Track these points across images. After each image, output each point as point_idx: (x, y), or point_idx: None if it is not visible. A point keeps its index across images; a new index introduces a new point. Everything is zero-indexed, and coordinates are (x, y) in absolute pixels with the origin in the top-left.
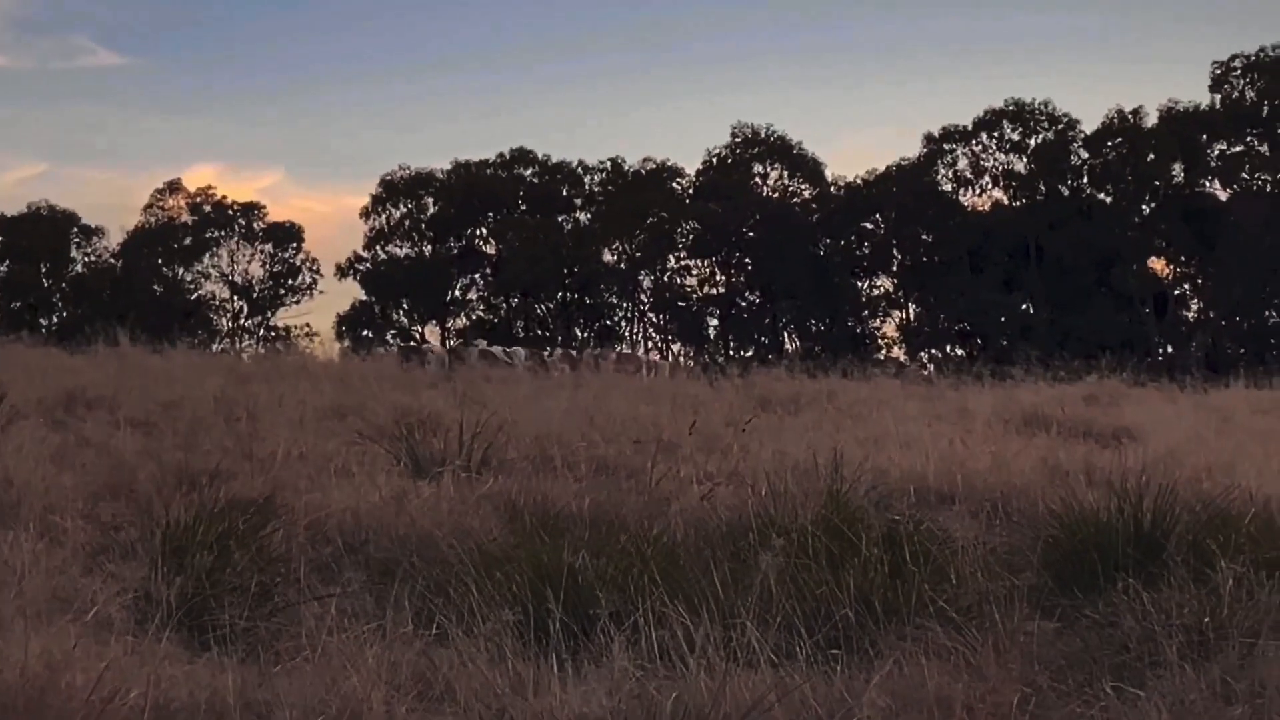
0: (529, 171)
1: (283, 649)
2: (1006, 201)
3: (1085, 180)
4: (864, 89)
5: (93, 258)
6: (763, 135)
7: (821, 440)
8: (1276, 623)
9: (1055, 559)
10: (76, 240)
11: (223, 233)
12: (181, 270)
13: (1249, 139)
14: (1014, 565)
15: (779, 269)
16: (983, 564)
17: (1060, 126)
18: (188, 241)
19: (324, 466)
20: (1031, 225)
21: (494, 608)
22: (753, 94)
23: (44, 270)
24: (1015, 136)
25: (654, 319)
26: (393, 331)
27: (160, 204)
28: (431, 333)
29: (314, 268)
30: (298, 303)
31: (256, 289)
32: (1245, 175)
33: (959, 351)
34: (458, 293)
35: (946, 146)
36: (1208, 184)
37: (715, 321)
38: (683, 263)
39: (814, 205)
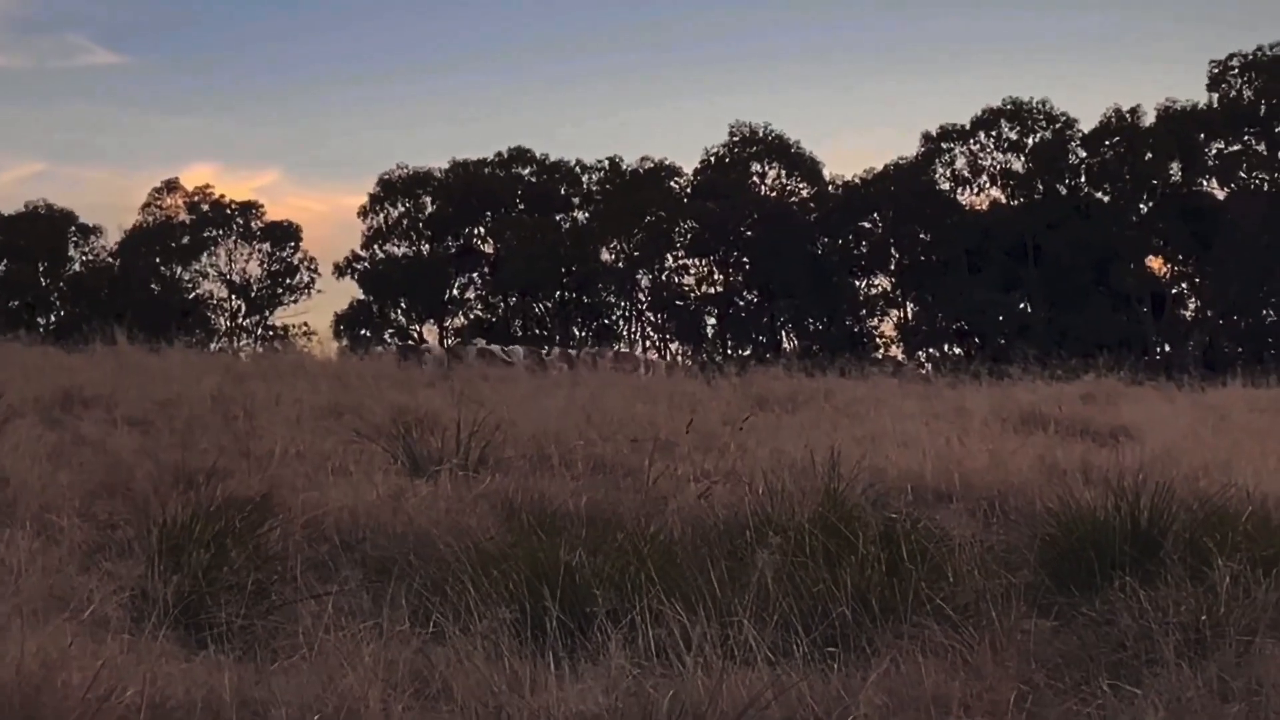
0: (527, 171)
1: (279, 647)
2: (1004, 200)
3: (1083, 179)
4: (862, 88)
5: (90, 257)
6: (760, 134)
7: (819, 439)
8: (1273, 620)
9: (1052, 557)
10: (74, 239)
11: (220, 232)
12: (179, 269)
13: (1246, 138)
14: (1011, 563)
15: (777, 268)
16: (980, 562)
17: (1058, 126)
18: (185, 241)
19: (321, 465)
20: (1029, 224)
21: (491, 606)
22: (751, 93)
23: (42, 269)
24: (1013, 136)
25: (652, 318)
26: (391, 330)
27: (158, 203)
28: (429, 332)
29: (312, 267)
30: (295, 302)
31: (254, 288)
32: (1243, 174)
33: (956, 350)
34: (455, 292)
35: (944, 146)
36: (1205, 183)
37: (713, 320)
38: (680, 262)
39: (812, 204)
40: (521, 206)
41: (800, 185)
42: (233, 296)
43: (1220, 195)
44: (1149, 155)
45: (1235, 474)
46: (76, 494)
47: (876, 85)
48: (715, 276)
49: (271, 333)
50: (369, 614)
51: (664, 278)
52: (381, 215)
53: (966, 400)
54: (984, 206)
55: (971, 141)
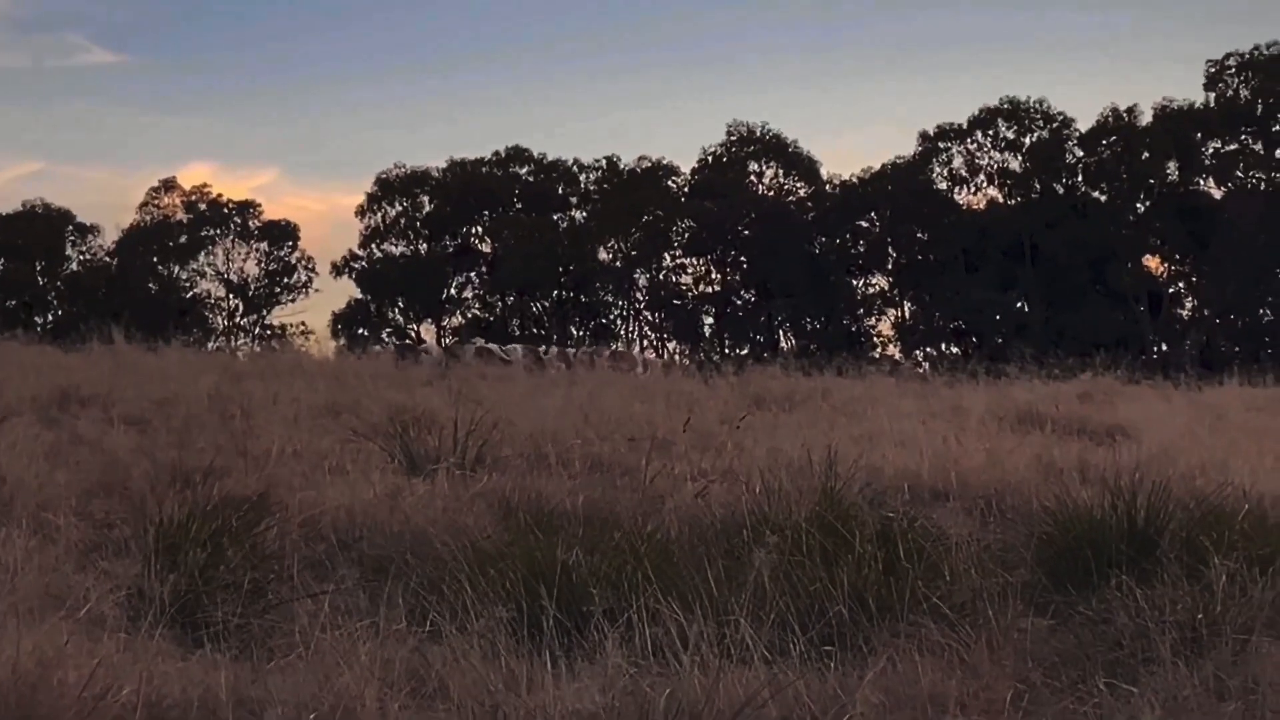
0: (524, 170)
1: (276, 646)
2: (1001, 200)
3: (1080, 178)
4: (859, 87)
5: (88, 256)
6: (758, 134)
7: (816, 438)
8: (1270, 619)
9: (1049, 556)
10: (72, 238)
11: (218, 231)
12: (177, 268)
13: (1243, 137)
14: (1008, 562)
15: (774, 267)
16: (977, 561)
17: (1055, 125)
18: (183, 240)
19: (318, 464)
20: (1026, 223)
21: (488, 605)
22: (748, 93)
23: (39, 268)
24: (1010, 135)
25: (649, 317)
26: (388, 330)
27: (155, 202)
28: (427, 331)
29: (309, 266)
30: (293, 301)
31: (252, 287)
32: (1239, 173)
33: (954, 349)
34: (453, 291)
35: (942, 145)
36: (1202, 182)
37: (710, 319)
38: (678, 261)
39: (809, 204)
40: (519, 206)
41: (798, 184)
42: (230, 296)
43: (1217, 194)
44: (1146, 155)
45: (1232, 473)
46: (73, 493)
47: (874, 85)
48: (713, 276)
49: (269, 332)
50: (366, 613)
51: (661, 277)
52: (379, 214)
53: (963, 399)
54: (981, 206)
55: (969, 141)
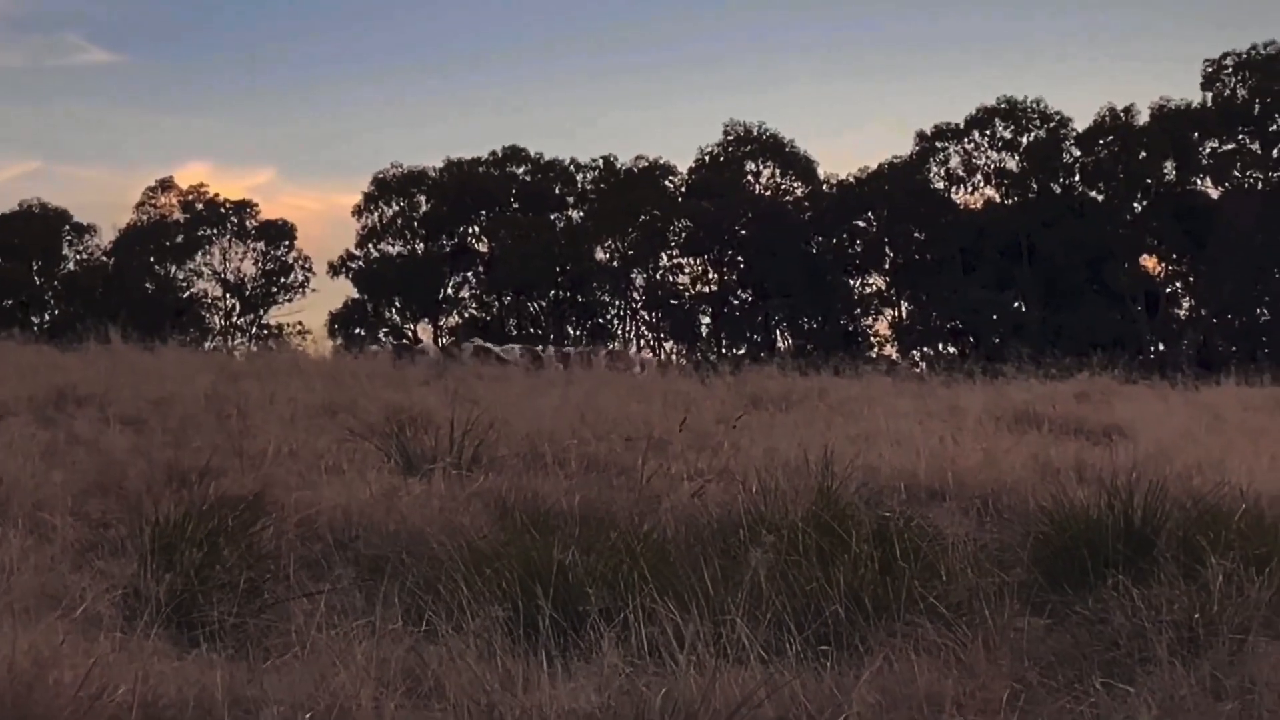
0: (521, 169)
1: (272, 646)
2: (998, 199)
3: (1077, 178)
4: (856, 87)
5: (85, 255)
6: (755, 133)
7: (812, 437)
8: (1266, 619)
9: (1045, 555)
10: (68, 238)
11: (215, 230)
12: (174, 268)
13: (1240, 137)
14: (1004, 562)
15: (771, 267)
16: (973, 560)
17: (1052, 124)
18: (180, 239)
19: (314, 464)
20: (1023, 223)
21: (484, 604)
22: (745, 92)
23: (36, 268)
24: (1007, 134)
25: (646, 317)
26: (385, 330)
27: (152, 202)
28: (424, 330)
29: (306, 266)
30: (290, 301)
31: (249, 287)
32: (1237, 173)
33: (951, 349)
34: (450, 291)
35: (939, 144)
36: (1199, 182)
37: (708, 319)
38: (675, 261)
39: (806, 203)
40: (516, 205)
41: (795, 184)
42: (227, 295)
43: (1214, 194)
44: (1143, 154)
45: (1228, 472)
46: (69, 492)
47: (871, 84)
48: (710, 275)
49: (266, 331)
50: (362, 612)
51: (658, 277)
52: (376, 214)
53: (960, 399)
54: (978, 205)
55: (966, 140)
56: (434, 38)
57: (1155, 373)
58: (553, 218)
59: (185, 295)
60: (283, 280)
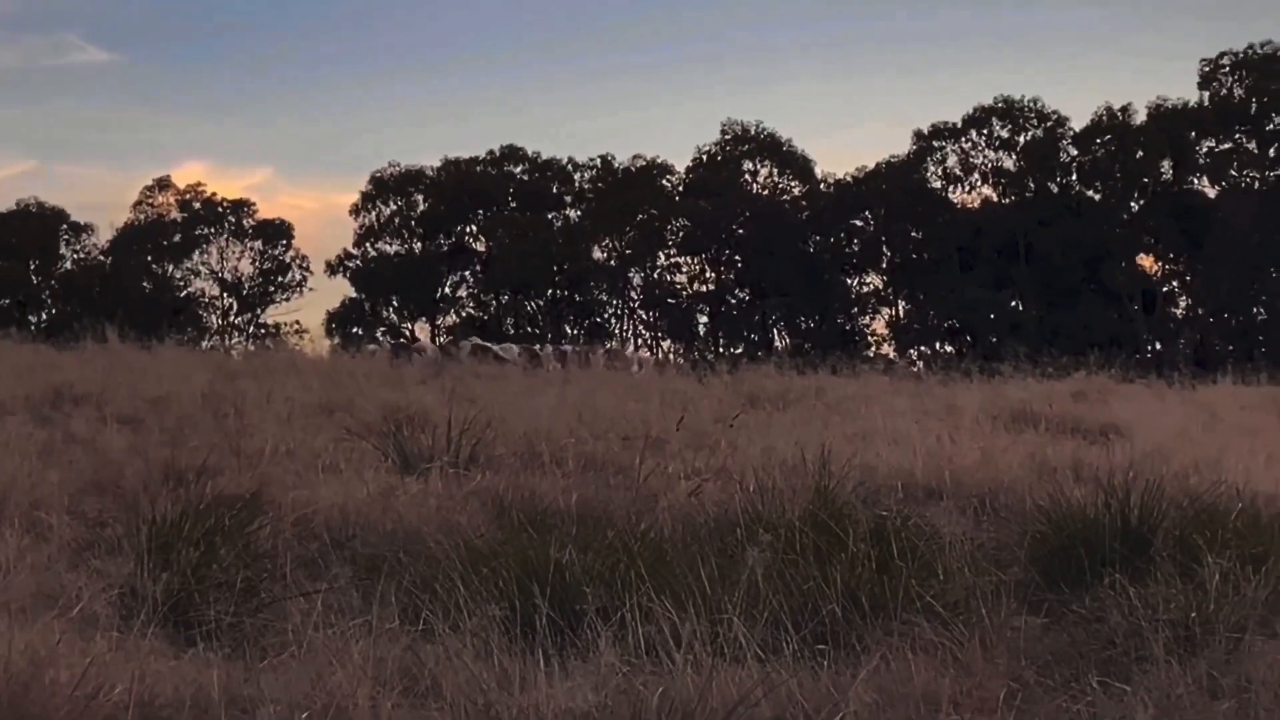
0: (519, 169)
1: (268, 645)
2: (996, 199)
3: (1074, 177)
4: (853, 86)
5: (82, 255)
6: (752, 132)
7: (810, 436)
8: (1263, 618)
9: (1042, 554)
10: (66, 237)
11: (212, 230)
12: (171, 267)
13: (1237, 136)
14: (1001, 561)
15: (769, 266)
16: (970, 559)
17: (1049, 124)
18: (177, 239)
19: (311, 463)
20: (1021, 222)
21: (481, 603)
22: (743, 91)
23: (33, 267)
24: (1004, 134)
25: (644, 316)
26: (383, 329)
27: (150, 201)
28: (421, 330)
29: (304, 265)
30: (287, 300)
31: (246, 286)
32: (1234, 172)
33: (948, 348)
34: (448, 290)
35: (936, 144)
36: (1196, 181)
37: (705, 319)
38: (672, 260)
39: (804, 202)
40: (513, 204)
41: (792, 183)
42: (224, 294)
43: (1211, 193)
44: (1140, 153)
45: (1225, 471)
46: (66, 491)
47: (868, 83)
48: (707, 274)
49: (263, 331)
50: (358, 612)
51: (656, 276)
52: (373, 213)
53: (957, 398)
54: (975, 205)
55: (963, 140)
56: (432, 37)
57: (1152, 372)
58: (550, 217)
59: (183, 294)
60: (280, 279)
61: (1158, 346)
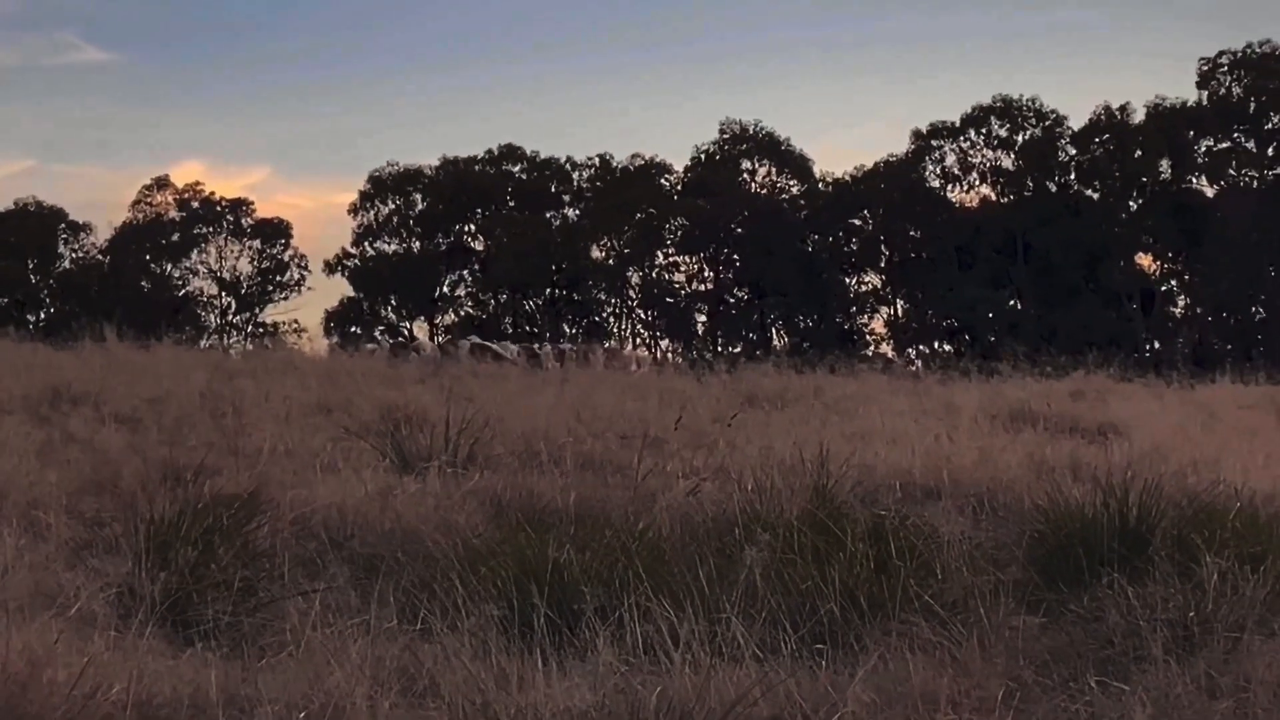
0: (517, 168)
1: (266, 644)
2: (994, 198)
3: (1073, 176)
4: (852, 85)
5: (80, 254)
6: (751, 132)
7: (808, 436)
8: (1261, 617)
9: (1041, 554)
10: (64, 236)
11: (210, 229)
12: (169, 266)
13: (1236, 135)
14: (999, 560)
15: (767, 265)
16: (968, 559)
17: (1048, 123)
18: (175, 238)
19: (310, 462)
20: (1019, 221)
21: (479, 603)
22: (741, 90)
23: (31, 266)
24: (1003, 133)
25: (642, 315)
26: (381, 328)
27: (148, 200)
28: (420, 329)
29: (302, 264)
30: (286, 299)
31: (244, 285)
32: (1232, 171)
33: (946, 347)
34: (446, 289)
35: (934, 143)
36: (1195, 180)
37: (703, 318)
38: (671, 259)
39: (802, 202)
40: (512, 204)
41: (790, 182)
42: (223, 294)
43: (1210, 193)
44: (1139, 153)
45: (1224, 471)
46: (64, 491)
47: (866, 82)
48: (705, 274)
49: (261, 330)
50: (356, 611)
51: (654, 275)
52: (372, 212)
53: (956, 397)
54: (974, 204)
55: (961, 139)
56: (430, 37)
57: (1150, 371)
58: (549, 216)
59: (181, 293)
60: (278, 278)
61: (1156, 346)
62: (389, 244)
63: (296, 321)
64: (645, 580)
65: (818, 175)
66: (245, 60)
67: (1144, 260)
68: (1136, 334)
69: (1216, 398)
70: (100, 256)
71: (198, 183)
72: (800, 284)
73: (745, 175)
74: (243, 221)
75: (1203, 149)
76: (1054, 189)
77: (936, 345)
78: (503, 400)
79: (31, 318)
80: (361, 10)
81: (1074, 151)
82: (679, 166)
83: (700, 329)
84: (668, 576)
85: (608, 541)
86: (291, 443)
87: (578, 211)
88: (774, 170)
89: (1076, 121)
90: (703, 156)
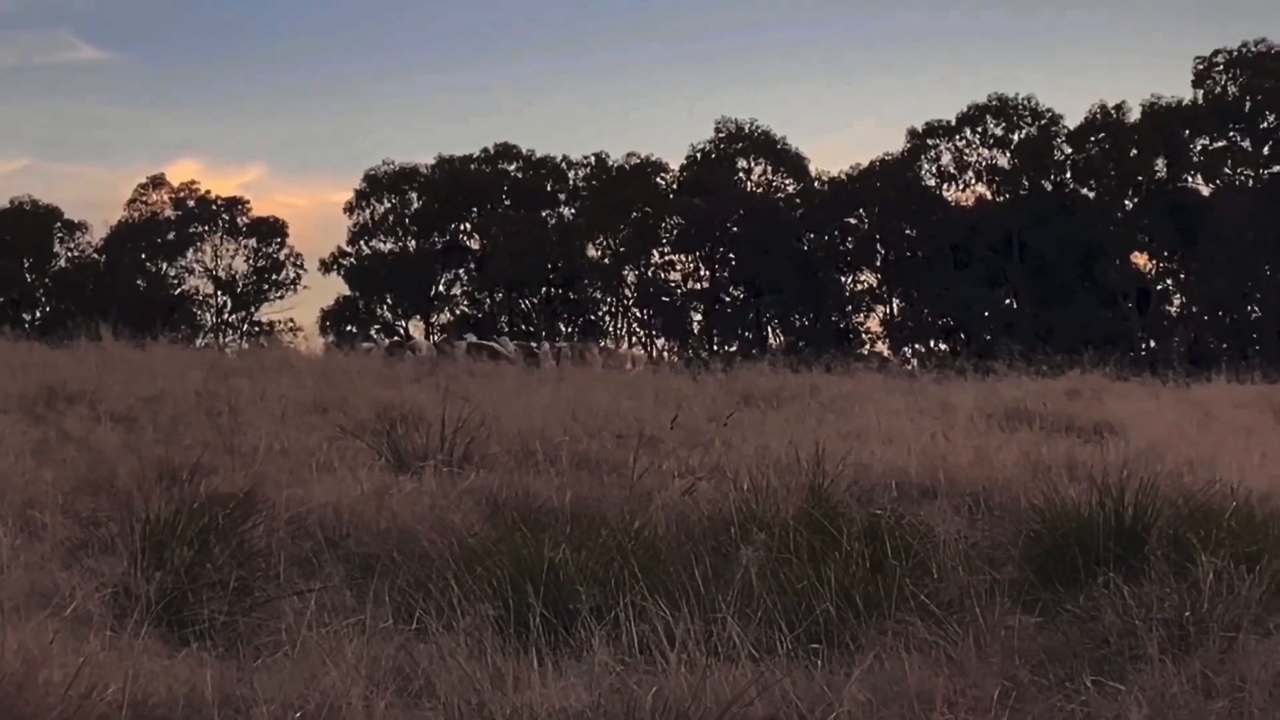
0: (513, 166)
1: (262, 644)
2: (990, 196)
3: (1068, 175)
4: (848, 84)
5: (76, 252)
6: (747, 130)
7: (804, 435)
8: (1257, 616)
9: (1036, 553)
10: (60, 235)
11: (206, 228)
12: (165, 265)
13: (1231, 134)
14: (995, 559)
15: (763, 264)
16: (964, 558)
17: (1043, 122)
18: (171, 236)
19: (305, 461)
20: (1015, 220)
21: (474, 602)
22: (737, 89)
23: (27, 265)
24: (999, 132)
25: (638, 314)
26: (376, 326)
27: (143, 199)
28: (416, 328)
29: (298, 263)
30: (281, 298)
31: (240, 284)
32: (1228, 170)
33: (942, 346)
34: (442, 288)
35: (930, 142)
36: (1190, 179)
37: (699, 316)
38: (667, 258)
39: (798, 200)
40: (508, 202)
41: (786, 181)
42: (218, 292)
43: (1205, 191)
44: (1134, 151)
45: (1219, 470)
46: (60, 490)
47: (862, 81)
48: (701, 272)
49: (257, 328)
50: (352, 611)
51: (650, 273)
52: (368, 211)
53: (952, 396)
54: (970, 203)
55: (957, 138)
56: (426, 35)
57: (1146, 370)
58: (544, 215)
59: (177, 292)
60: (274, 277)
61: (1152, 344)
62: (385, 243)
63: (292, 320)
64: (641, 580)
65: (813, 174)
66: (241, 59)
67: (1140, 259)
68: (1132, 333)
69: (1212, 397)
70: (96, 255)
71: (193, 181)
72: (796, 283)
73: (741, 174)
74: (238, 220)
75: (1198, 148)
76: (1049, 188)
77: (932, 344)
78: (499, 399)
79: (27, 316)
80: (357, 9)
81: (1070, 150)
82: (675, 165)
83: (696, 328)
84: (663, 576)
85: (603, 541)
86: (287, 442)
87: (573, 210)
88: (770, 169)
89: (1072, 120)
90: (698, 155)
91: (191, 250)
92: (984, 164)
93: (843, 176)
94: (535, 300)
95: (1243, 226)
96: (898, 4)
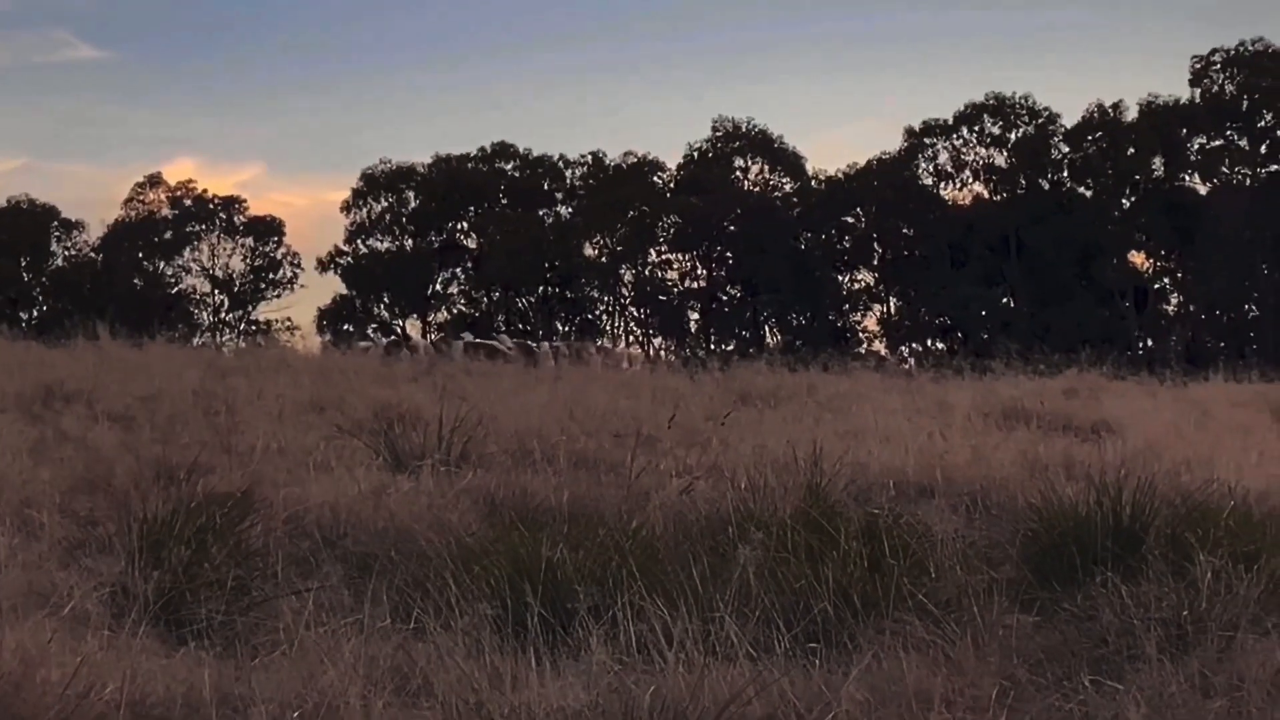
0: (510, 165)
1: (260, 644)
2: (987, 195)
3: (1065, 174)
4: (845, 83)
5: (73, 251)
6: (744, 129)
7: (801, 434)
8: (1255, 616)
9: (1034, 552)
10: (56, 234)
11: (203, 227)
12: (162, 264)
13: (1228, 133)
14: (993, 559)
15: (760, 263)
16: (962, 557)
17: (1040, 120)
18: (168, 235)
19: (303, 460)
20: (1012, 219)
21: (472, 602)
22: (734, 88)
23: (24, 264)
24: (996, 130)
25: (635, 313)
26: (374, 325)
27: (140, 198)
28: (413, 326)
29: (295, 262)
30: (278, 297)
31: (237, 283)
32: (1225, 169)
33: (939, 345)
34: (439, 287)
35: (927, 140)
36: (1188, 178)
37: (696, 315)
38: (664, 257)
39: (795, 199)
40: (505, 201)
41: (783, 180)
42: (215, 291)
43: (1202, 190)
44: (1131, 150)
45: (1217, 469)
46: (57, 489)
47: (860, 80)
48: (698, 271)
49: (254, 328)
50: (350, 610)
51: (647, 273)
52: (364, 210)
53: (949, 395)
54: (967, 201)
55: (954, 136)
56: (423, 34)
57: (1144, 369)
58: (541, 214)
59: (174, 291)
60: (271, 276)
61: (1149, 343)
62: (382, 241)
63: (289, 319)
64: (639, 579)
65: (811, 173)
66: (238, 58)
67: (1137, 258)
68: (1129, 332)
69: (1210, 396)
70: (93, 254)
71: (190, 180)
72: (793, 282)
73: (738, 173)
74: (235, 219)
75: (1195, 147)
76: (1047, 187)
77: (929, 343)
78: (496, 398)
79: (24, 315)
80: (354, 8)
81: (1067, 149)
82: (672, 164)
83: (693, 327)
84: (661, 575)
85: (601, 540)
86: (284, 441)
87: (570, 209)
88: (767, 168)
89: (1069, 119)
90: (695, 154)
91: (188, 249)
92: (981, 163)
93: (840, 175)
94: (532, 299)
95: (1240, 225)
96: (895, 3)
